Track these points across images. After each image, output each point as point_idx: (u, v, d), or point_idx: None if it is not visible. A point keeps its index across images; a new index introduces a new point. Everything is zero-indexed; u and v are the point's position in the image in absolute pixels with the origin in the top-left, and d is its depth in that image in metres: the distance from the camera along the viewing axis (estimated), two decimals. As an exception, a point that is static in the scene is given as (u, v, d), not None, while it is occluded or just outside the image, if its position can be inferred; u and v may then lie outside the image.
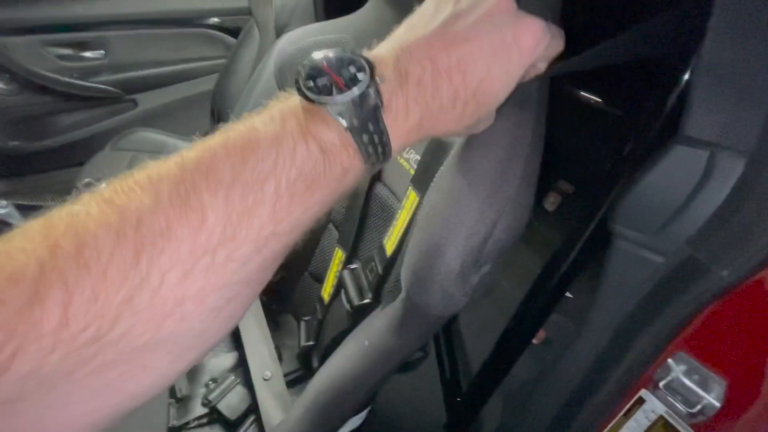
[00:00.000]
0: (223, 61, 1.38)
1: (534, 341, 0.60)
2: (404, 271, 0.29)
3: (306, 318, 0.71)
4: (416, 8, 0.24)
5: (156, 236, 0.16)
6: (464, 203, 0.25)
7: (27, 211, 0.85)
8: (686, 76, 0.32)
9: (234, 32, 1.40)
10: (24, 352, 0.14)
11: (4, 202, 0.66)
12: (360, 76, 0.19)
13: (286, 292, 0.77)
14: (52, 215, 0.17)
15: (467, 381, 0.70)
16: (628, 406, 0.33)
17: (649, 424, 0.32)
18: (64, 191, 0.86)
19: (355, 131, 0.19)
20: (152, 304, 0.16)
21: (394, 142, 0.21)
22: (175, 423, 0.60)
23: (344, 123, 0.19)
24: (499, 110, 0.27)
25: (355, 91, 0.19)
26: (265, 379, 0.55)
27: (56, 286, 0.14)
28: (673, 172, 0.32)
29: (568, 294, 0.57)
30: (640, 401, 0.32)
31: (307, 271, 0.74)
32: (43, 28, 1.22)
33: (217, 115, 1.39)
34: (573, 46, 0.32)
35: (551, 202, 0.79)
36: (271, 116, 0.20)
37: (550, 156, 0.32)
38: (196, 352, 0.19)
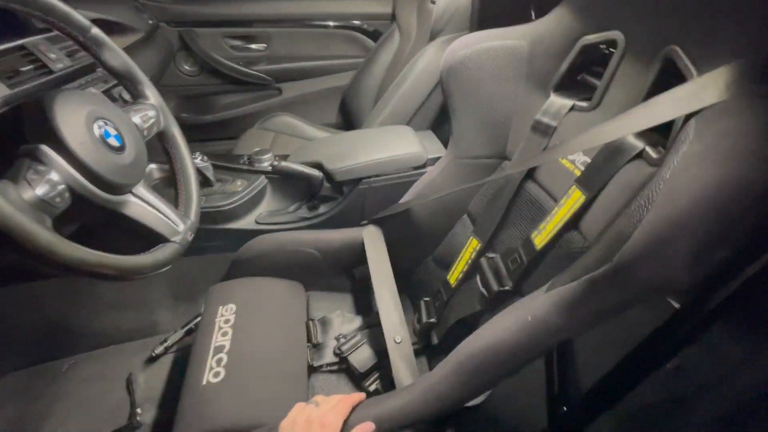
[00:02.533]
0: (358, 60, 1.52)
1: (668, 365, 0.58)
2: (632, 247, 0.31)
3: (426, 299, 0.77)
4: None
5: None
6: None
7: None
8: None
9: (372, 35, 1.53)
10: None
11: (205, 157, 0.81)
12: None
13: (404, 274, 0.84)
14: None
15: (576, 392, 0.69)
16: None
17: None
18: (220, 158, 1.02)
19: None
20: None
21: None
22: (313, 363, 0.69)
23: None
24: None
25: None
26: (396, 342, 0.62)
27: None
28: None
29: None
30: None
31: (431, 256, 0.80)
32: (223, 23, 1.47)
33: (346, 107, 1.54)
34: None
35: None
36: None
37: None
38: None
